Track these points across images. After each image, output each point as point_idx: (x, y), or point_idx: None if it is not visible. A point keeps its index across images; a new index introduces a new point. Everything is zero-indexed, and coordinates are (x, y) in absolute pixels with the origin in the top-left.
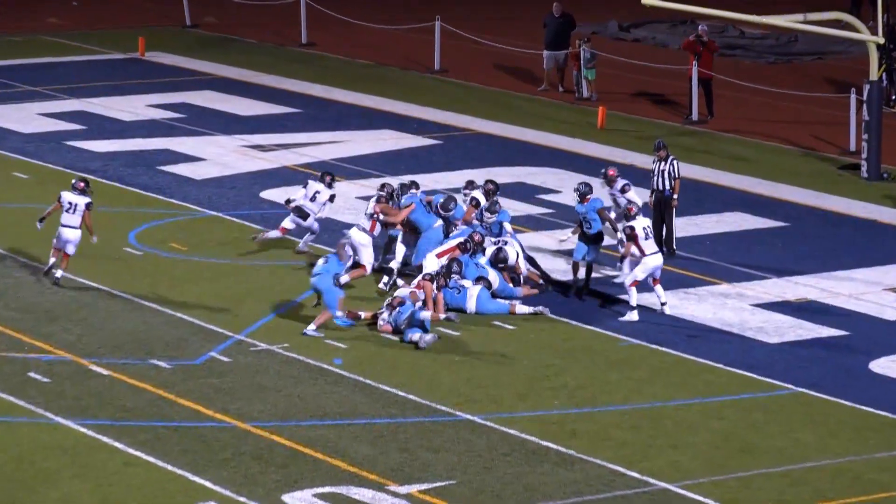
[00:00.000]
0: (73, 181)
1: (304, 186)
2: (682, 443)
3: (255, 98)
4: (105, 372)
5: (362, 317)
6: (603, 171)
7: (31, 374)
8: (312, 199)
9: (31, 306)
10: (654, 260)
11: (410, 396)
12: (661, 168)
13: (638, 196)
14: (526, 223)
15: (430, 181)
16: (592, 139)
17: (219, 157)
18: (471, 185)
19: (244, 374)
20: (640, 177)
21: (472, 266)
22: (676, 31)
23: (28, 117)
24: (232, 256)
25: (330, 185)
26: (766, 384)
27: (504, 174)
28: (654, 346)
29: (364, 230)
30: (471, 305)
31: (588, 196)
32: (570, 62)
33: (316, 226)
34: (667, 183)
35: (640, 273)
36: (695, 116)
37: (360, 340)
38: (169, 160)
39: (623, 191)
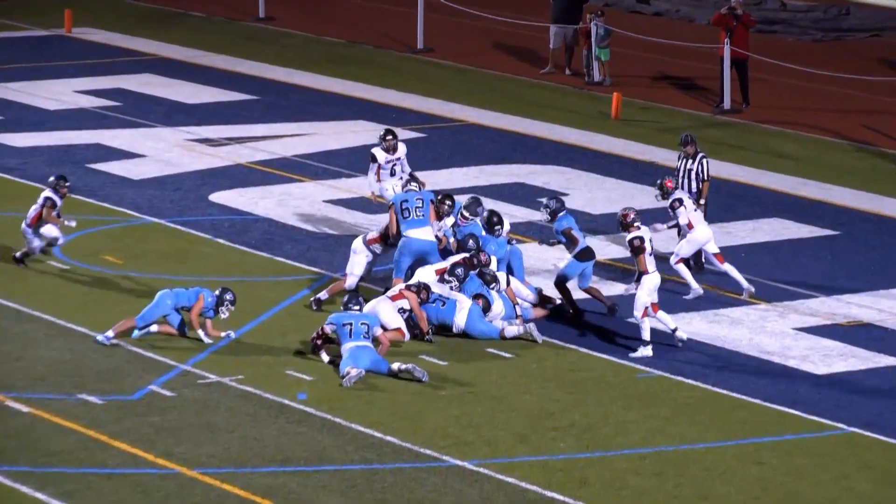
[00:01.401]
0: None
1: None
2: (712, 493)
3: (202, 83)
4: (24, 409)
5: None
6: (659, 182)
7: None
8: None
9: None
10: (655, 279)
11: (389, 438)
12: (688, 167)
13: (697, 215)
14: (527, 231)
15: None
16: (605, 131)
17: (160, 152)
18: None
19: (191, 412)
20: (660, 177)
21: (476, 282)
22: (705, 3)
23: None
24: (176, 271)
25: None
26: (812, 423)
27: (500, 173)
28: (678, 378)
29: (365, 242)
30: (459, 319)
31: (559, 214)
32: (580, 40)
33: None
34: (694, 185)
35: (646, 298)
36: (727, 104)
37: (328, 372)
38: (101, 157)
39: (673, 207)
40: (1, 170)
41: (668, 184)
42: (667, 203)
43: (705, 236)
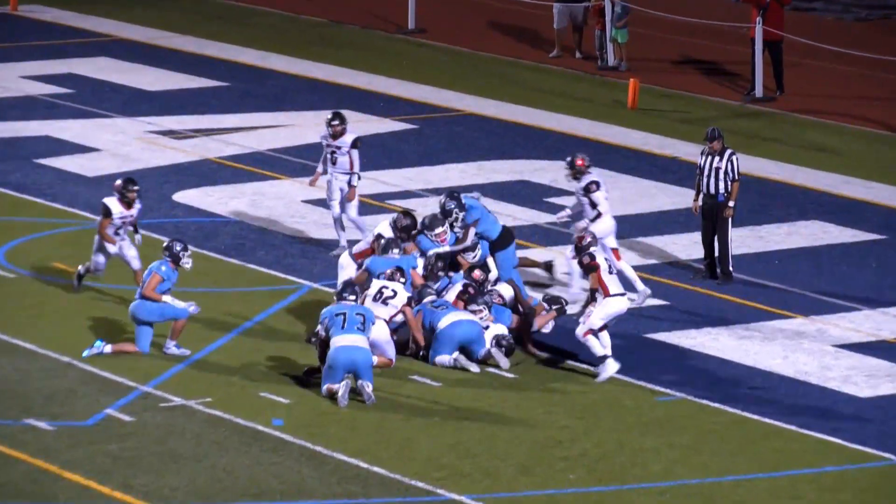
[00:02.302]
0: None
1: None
2: None
3: (165, 67)
4: None
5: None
6: (569, 159)
7: None
8: None
9: None
10: (618, 304)
11: (375, 469)
12: (715, 164)
13: (607, 203)
14: (531, 236)
15: (402, 179)
16: (620, 122)
17: (117, 146)
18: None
19: (152, 439)
20: (685, 173)
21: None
22: None
23: None
24: (134, 281)
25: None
26: (855, 453)
27: (502, 169)
28: (703, 402)
29: (352, 255)
30: (442, 323)
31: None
32: (590, 19)
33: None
34: (721, 185)
35: (598, 320)
36: (758, 92)
37: (308, 394)
38: (50, 151)
39: (588, 190)
40: None
41: (581, 162)
42: (580, 185)
43: (608, 228)
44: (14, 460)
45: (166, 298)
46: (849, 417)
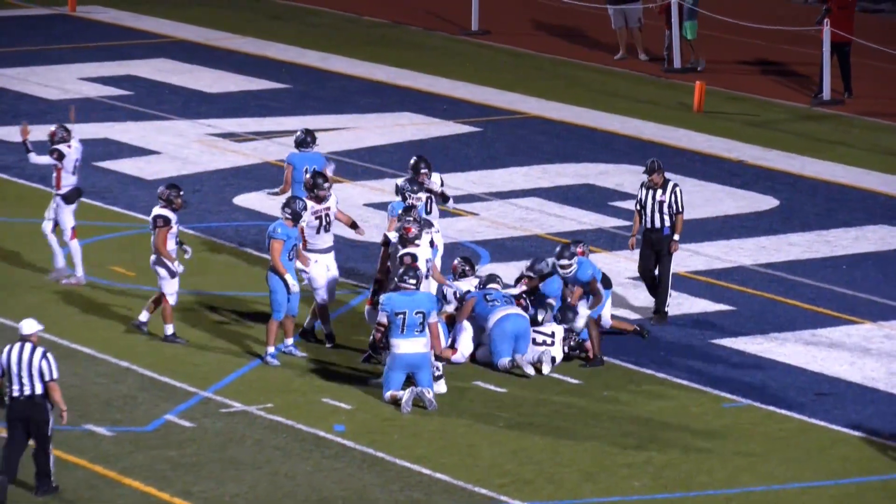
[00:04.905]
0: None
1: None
2: None
3: (225, 69)
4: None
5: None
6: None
7: None
8: None
9: None
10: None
11: (438, 475)
12: (658, 198)
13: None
14: (596, 241)
15: (465, 182)
16: (686, 125)
17: (177, 149)
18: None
19: (212, 445)
20: (750, 177)
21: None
22: None
23: None
24: (196, 285)
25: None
26: None
27: (566, 173)
28: (769, 408)
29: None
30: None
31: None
32: (657, 19)
33: None
34: (666, 219)
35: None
36: (826, 95)
37: (370, 400)
38: (109, 153)
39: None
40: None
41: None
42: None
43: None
44: (73, 466)
45: (293, 285)
46: None
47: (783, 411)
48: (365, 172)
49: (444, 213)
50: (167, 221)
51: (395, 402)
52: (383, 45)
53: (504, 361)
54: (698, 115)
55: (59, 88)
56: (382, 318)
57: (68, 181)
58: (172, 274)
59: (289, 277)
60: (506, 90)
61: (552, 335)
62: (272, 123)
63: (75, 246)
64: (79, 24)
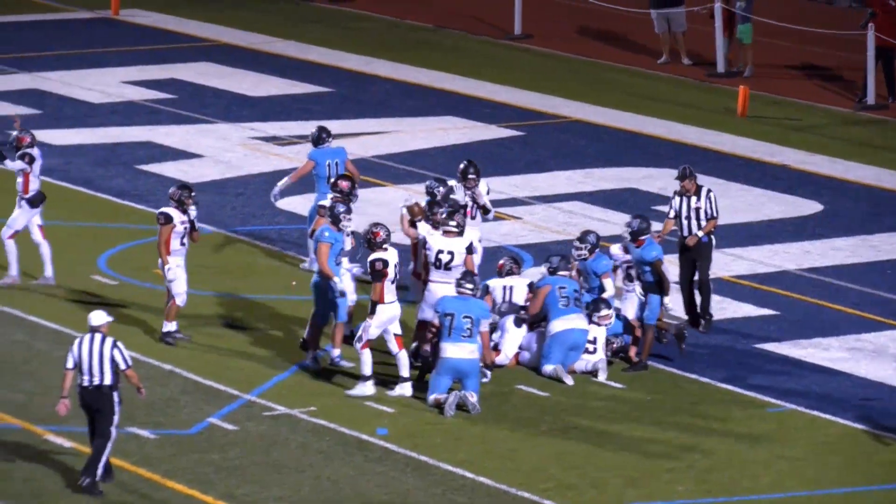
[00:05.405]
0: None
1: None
2: None
3: (267, 73)
4: (66, 444)
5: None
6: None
7: None
8: None
9: None
10: (390, 311)
11: (481, 479)
12: (694, 205)
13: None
14: None
15: (508, 186)
16: (730, 130)
17: (220, 152)
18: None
19: (255, 448)
20: (795, 181)
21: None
22: None
23: None
24: (238, 289)
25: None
26: None
27: (609, 177)
28: (813, 413)
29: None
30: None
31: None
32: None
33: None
34: (700, 225)
35: (374, 329)
36: (870, 99)
37: (413, 404)
38: (152, 157)
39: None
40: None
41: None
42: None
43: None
44: (116, 468)
45: (343, 268)
46: None
47: (827, 416)
48: (408, 176)
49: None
50: (168, 219)
51: (439, 405)
52: (426, 48)
53: (549, 369)
54: (742, 120)
55: (101, 92)
56: (435, 320)
57: (34, 185)
58: (168, 278)
59: (336, 280)
60: (549, 94)
61: (594, 341)
62: (315, 127)
63: (45, 247)
64: (121, 28)
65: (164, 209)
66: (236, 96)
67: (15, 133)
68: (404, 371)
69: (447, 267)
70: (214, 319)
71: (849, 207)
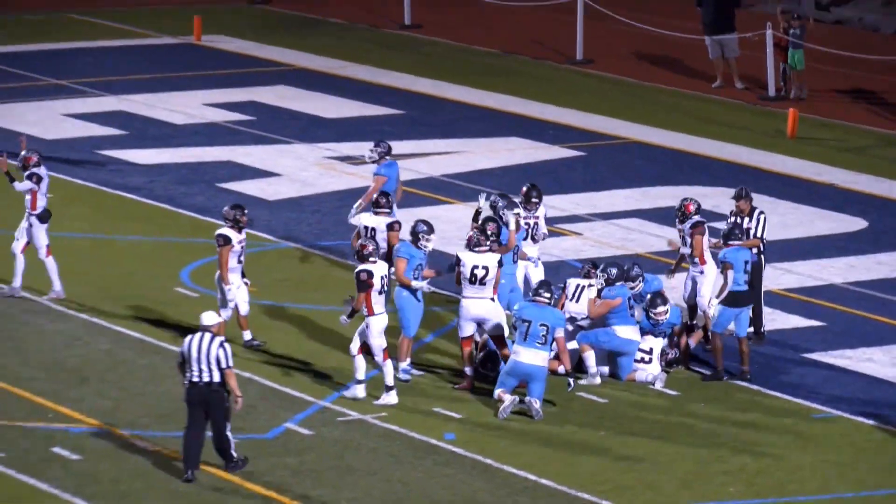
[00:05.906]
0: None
1: None
2: None
3: (342, 95)
4: (150, 447)
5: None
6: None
7: (56, 450)
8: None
9: (55, 363)
10: (381, 322)
11: (543, 481)
12: (745, 225)
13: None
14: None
15: (569, 204)
16: (780, 150)
17: (296, 171)
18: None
19: (330, 452)
20: (841, 200)
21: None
22: (893, 11)
23: (51, 119)
24: (314, 301)
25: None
26: None
27: (665, 195)
28: (858, 419)
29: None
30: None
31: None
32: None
33: None
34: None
35: (378, 340)
36: None
37: (480, 409)
38: (232, 175)
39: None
40: (124, 189)
41: (690, 207)
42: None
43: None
44: (198, 471)
45: (416, 284)
46: None
47: (871, 422)
48: (475, 194)
49: (550, 233)
50: (227, 240)
51: (501, 401)
52: (492, 73)
53: (602, 370)
54: (791, 142)
55: (184, 113)
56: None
57: (42, 202)
58: (224, 302)
59: (415, 284)
60: (609, 116)
61: (650, 351)
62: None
63: (51, 262)
64: (203, 53)
65: (220, 231)
66: (312, 118)
67: (22, 153)
68: (389, 380)
69: (482, 282)
70: (291, 329)
71: (892, 224)
